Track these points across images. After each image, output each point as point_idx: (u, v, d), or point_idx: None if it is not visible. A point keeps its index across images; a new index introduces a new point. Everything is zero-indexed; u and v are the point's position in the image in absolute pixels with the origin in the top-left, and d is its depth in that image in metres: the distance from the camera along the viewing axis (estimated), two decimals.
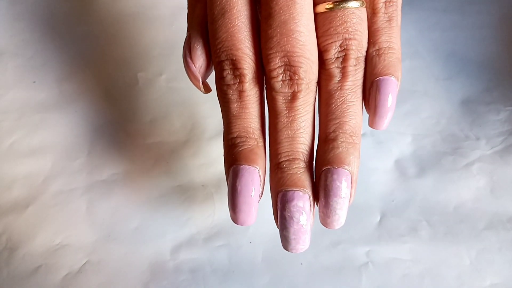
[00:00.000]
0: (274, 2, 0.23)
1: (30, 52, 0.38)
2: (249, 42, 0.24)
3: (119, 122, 0.35)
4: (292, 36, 0.23)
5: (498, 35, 0.39)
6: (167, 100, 0.36)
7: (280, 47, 0.23)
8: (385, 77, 0.24)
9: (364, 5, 0.24)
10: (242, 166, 0.24)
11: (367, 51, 0.25)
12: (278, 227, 0.24)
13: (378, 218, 0.31)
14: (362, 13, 0.24)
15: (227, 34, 0.24)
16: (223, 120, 0.26)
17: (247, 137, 0.25)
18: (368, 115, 0.26)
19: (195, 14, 0.26)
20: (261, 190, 0.25)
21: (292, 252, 0.24)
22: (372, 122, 0.25)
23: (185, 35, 0.30)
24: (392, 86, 0.24)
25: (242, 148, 0.24)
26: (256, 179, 0.24)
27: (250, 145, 0.25)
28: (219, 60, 0.24)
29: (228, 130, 0.25)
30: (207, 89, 0.26)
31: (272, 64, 0.24)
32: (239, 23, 0.24)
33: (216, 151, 0.33)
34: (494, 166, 0.33)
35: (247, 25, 0.24)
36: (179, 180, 0.32)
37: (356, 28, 0.24)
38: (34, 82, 0.37)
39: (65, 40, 0.39)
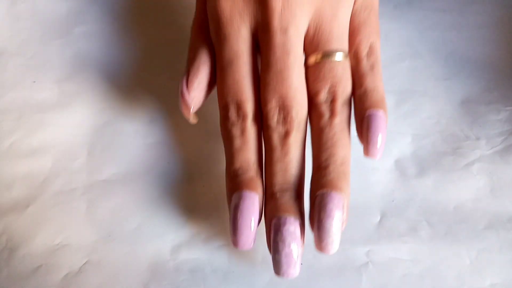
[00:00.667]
0: (272, 55, 0.28)
1: (30, 52, 0.38)
2: (251, 88, 0.28)
3: (119, 122, 0.35)
4: (286, 82, 0.27)
5: (498, 35, 0.39)
6: (167, 100, 0.36)
7: (276, 92, 0.28)
8: (374, 110, 0.28)
9: (348, 58, 0.29)
10: (244, 192, 0.27)
11: (355, 93, 0.29)
12: (270, 253, 0.26)
13: (378, 218, 0.31)
14: (346, 64, 0.29)
15: (233, 81, 0.28)
16: (225, 154, 0.29)
17: (247, 168, 0.28)
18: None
19: (196, 55, 0.30)
20: (259, 216, 0.27)
21: (283, 277, 0.26)
22: (366, 151, 0.28)
23: (185, 36, 0.34)
24: (382, 119, 0.28)
25: (243, 177, 0.27)
26: (256, 204, 0.27)
27: (250, 175, 0.27)
28: (226, 102, 0.28)
29: (231, 162, 0.28)
30: (194, 119, 0.30)
31: (268, 106, 0.28)
32: (244, 72, 0.28)
33: (216, 151, 0.33)
34: (494, 166, 0.33)
35: (250, 73, 0.28)
36: (180, 180, 0.32)
37: (341, 76, 0.28)
38: (34, 82, 0.37)
39: (65, 40, 0.39)
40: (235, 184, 0.27)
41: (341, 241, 0.29)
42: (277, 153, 0.28)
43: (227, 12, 0.29)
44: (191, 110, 0.29)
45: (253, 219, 0.26)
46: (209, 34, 0.30)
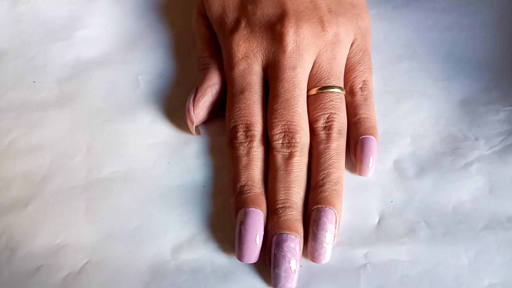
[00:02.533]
0: (281, 87, 0.32)
1: (30, 53, 0.38)
2: (259, 114, 0.32)
3: (119, 121, 0.35)
4: (292, 109, 0.31)
5: (497, 35, 0.39)
6: (167, 101, 0.36)
7: (282, 117, 0.31)
8: (367, 136, 0.32)
9: (343, 91, 0.33)
10: (250, 209, 0.29)
11: (350, 122, 0.33)
12: (270, 267, 0.28)
13: (377, 220, 0.31)
14: (342, 97, 0.33)
15: (244, 105, 0.32)
16: (232, 172, 0.31)
17: (253, 186, 0.30)
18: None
19: (206, 76, 0.34)
20: (263, 232, 0.29)
21: None
22: (359, 171, 0.32)
23: (185, 36, 0.39)
24: (373, 143, 0.32)
25: (249, 194, 0.30)
26: (261, 221, 0.29)
27: (255, 192, 0.30)
28: (235, 124, 0.32)
29: (237, 179, 0.31)
30: (197, 132, 0.34)
31: (275, 130, 0.31)
32: (254, 99, 0.32)
33: (217, 151, 0.34)
34: (493, 166, 0.33)
35: (259, 101, 0.32)
36: (180, 180, 0.32)
37: (338, 106, 0.32)
38: (34, 82, 0.37)
39: (65, 43, 0.39)
40: (241, 201, 0.30)
41: (340, 243, 0.29)
42: (281, 172, 0.30)
43: (242, 51, 0.33)
44: (194, 124, 0.33)
45: (258, 234, 0.28)
46: (216, 49, 0.36)
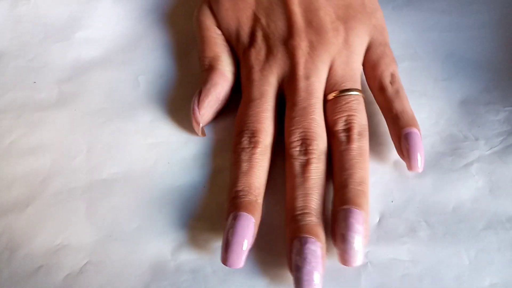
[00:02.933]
0: (298, 96, 0.32)
1: (31, 54, 0.38)
2: (268, 122, 0.32)
3: (120, 121, 0.35)
4: (309, 117, 0.31)
5: (497, 36, 0.39)
6: (168, 101, 0.36)
7: (299, 125, 0.31)
8: (409, 129, 0.31)
9: (361, 93, 0.33)
10: (240, 213, 0.28)
11: (387, 118, 0.33)
12: (292, 272, 0.27)
13: (377, 219, 0.31)
14: (359, 98, 0.33)
15: (253, 112, 0.32)
16: (230, 176, 0.31)
17: (249, 192, 0.30)
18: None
19: (209, 76, 0.34)
20: (252, 240, 0.28)
21: None
22: (410, 167, 0.31)
23: (185, 36, 0.39)
24: (417, 136, 0.31)
25: (243, 199, 0.29)
26: (251, 227, 0.28)
27: (249, 198, 0.29)
28: (241, 129, 0.32)
29: (234, 184, 0.30)
30: (203, 134, 0.34)
31: (292, 137, 0.31)
32: (264, 107, 0.32)
33: (217, 152, 0.34)
34: (493, 167, 0.33)
35: (269, 110, 0.32)
36: (180, 180, 0.32)
37: (355, 108, 0.32)
38: (34, 82, 0.37)
39: (66, 43, 0.39)
40: (233, 205, 0.29)
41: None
42: (299, 179, 0.30)
43: (259, 64, 0.34)
44: (200, 126, 0.33)
45: (246, 240, 0.28)
46: (219, 49, 0.36)
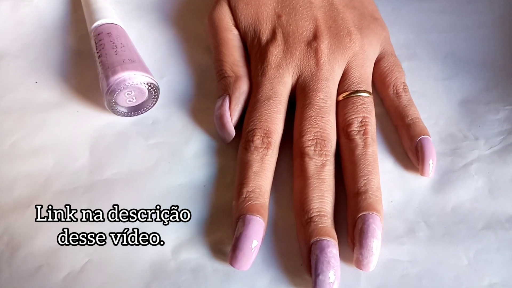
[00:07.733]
0: (314, 96, 0.33)
1: (32, 55, 0.38)
2: (280, 124, 0.32)
3: (121, 122, 0.35)
4: (325, 118, 0.32)
5: (496, 35, 0.39)
6: (168, 102, 0.36)
7: (316, 124, 0.32)
8: (426, 137, 0.32)
9: (371, 96, 0.34)
10: (254, 217, 0.29)
11: (401, 122, 0.34)
12: (312, 274, 0.27)
13: None
14: (372, 102, 0.34)
15: (267, 112, 0.32)
16: (239, 174, 0.31)
17: (259, 195, 0.30)
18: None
19: (237, 83, 0.34)
20: (261, 243, 0.29)
21: None
22: (422, 172, 0.32)
23: (185, 37, 0.39)
24: (431, 144, 0.32)
25: (255, 202, 0.29)
26: (262, 231, 0.29)
27: (260, 201, 0.30)
28: (254, 127, 0.32)
29: (245, 184, 0.30)
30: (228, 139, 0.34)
31: (307, 136, 0.31)
32: (278, 108, 0.33)
33: (217, 151, 0.34)
34: (493, 166, 0.33)
35: (282, 112, 0.33)
36: (181, 180, 0.32)
37: (370, 110, 0.33)
38: (36, 83, 0.37)
39: (67, 44, 0.39)
40: (245, 207, 0.29)
41: (339, 243, 0.29)
42: (314, 181, 0.30)
43: (276, 61, 0.34)
44: (232, 135, 0.33)
45: (256, 241, 0.28)
46: (241, 56, 0.36)
